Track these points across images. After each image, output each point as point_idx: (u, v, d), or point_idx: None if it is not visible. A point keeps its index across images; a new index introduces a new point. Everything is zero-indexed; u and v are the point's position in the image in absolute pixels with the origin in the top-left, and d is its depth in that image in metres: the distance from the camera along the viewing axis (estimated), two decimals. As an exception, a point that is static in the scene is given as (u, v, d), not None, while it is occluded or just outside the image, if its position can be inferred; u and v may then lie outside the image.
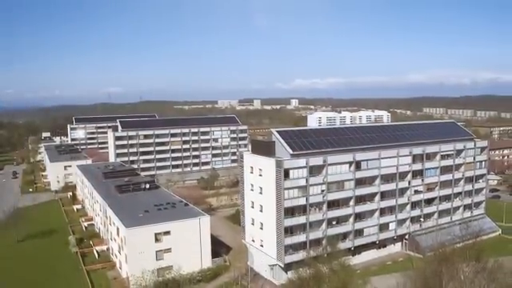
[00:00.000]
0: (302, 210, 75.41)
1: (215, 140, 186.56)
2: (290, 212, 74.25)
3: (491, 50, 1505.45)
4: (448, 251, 67.71)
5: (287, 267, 74.47)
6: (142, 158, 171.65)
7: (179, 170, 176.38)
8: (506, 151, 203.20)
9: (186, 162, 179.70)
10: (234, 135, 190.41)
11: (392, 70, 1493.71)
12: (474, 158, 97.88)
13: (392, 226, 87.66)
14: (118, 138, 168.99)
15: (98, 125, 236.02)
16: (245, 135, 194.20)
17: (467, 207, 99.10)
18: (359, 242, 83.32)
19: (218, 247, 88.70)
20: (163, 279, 72.30)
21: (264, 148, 80.00)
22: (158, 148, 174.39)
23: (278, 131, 79.90)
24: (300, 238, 75.81)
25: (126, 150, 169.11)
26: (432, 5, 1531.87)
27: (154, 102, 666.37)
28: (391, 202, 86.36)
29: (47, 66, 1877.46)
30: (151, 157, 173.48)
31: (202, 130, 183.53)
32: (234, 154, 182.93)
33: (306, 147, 77.43)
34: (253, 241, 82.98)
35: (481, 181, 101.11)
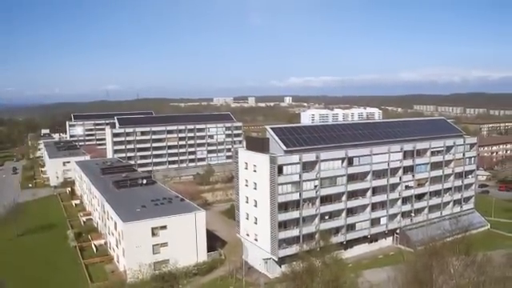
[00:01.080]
0: (296, 205, 76.45)
1: (211, 136, 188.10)
2: (284, 207, 75.29)
3: (481, 49, 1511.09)
4: (438, 245, 67.85)
5: (281, 261, 75.63)
6: (139, 154, 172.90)
7: (175, 165, 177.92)
8: (494, 147, 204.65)
9: (182, 158, 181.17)
10: (229, 132, 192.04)
11: (384, 69, 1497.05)
12: (464, 154, 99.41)
13: (383, 220, 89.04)
14: (115, 135, 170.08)
15: (96, 122, 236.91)
16: (239, 132, 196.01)
17: (457, 202, 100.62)
18: (351, 236, 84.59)
19: (214, 241, 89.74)
20: (160, 272, 73.21)
21: (258, 144, 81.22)
22: (154, 144, 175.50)
23: (271, 128, 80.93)
24: (293, 232, 76.86)
25: (123, 147, 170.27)
26: (425, 5, 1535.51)
27: (150, 100, 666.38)
28: (382, 198, 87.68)
29: (47, 65, 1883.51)
30: (148, 153, 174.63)
31: (198, 126, 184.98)
32: (228, 150, 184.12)
33: (300, 144, 78.61)
34: (247, 235, 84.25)
35: (470, 176, 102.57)
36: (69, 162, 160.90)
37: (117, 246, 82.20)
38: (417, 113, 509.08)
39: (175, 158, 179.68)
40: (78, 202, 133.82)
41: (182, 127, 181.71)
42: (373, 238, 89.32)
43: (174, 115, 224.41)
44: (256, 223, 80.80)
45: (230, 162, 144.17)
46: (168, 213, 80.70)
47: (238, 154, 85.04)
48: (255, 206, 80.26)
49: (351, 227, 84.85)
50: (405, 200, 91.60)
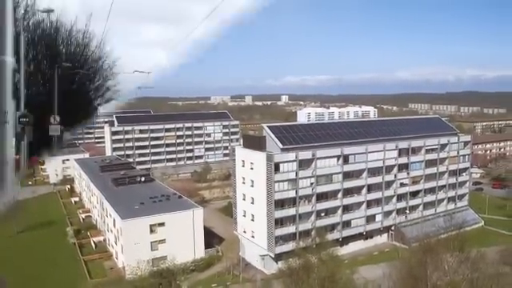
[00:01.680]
0: (292, 202, 77.27)
1: (208, 135, 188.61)
2: (280, 204, 76.07)
3: (475, 48, 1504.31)
4: (432, 242, 68.42)
5: (277, 257, 76.19)
6: (137, 152, 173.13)
7: (173, 163, 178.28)
8: (488, 145, 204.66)
9: (179, 155, 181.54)
10: (226, 130, 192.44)
11: (380, 68, 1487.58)
12: (458, 152, 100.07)
13: (378, 217, 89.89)
14: (114, 133, 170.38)
15: (95, 120, 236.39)
16: (236, 130, 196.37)
17: (451, 199, 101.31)
18: (347, 233, 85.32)
19: (211, 238, 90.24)
20: (158, 269, 72.97)
21: (255, 142, 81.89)
22: (152, 142, 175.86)
23: (268, 126, 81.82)
24: (290, 229, 77.64)
25: (121, 145, 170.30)
26: (420, 5, 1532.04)
27: (149, 98, 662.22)
28: (378, 195, 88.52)
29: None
30: (146, 151, 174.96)
31: (196, 125, 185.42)
32: (226, 148, 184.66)
33: (296, 142, 79.45)
34: (244, 232, 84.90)
35: (464, 174, 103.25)
36: (68, 160, 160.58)
37: (115, 243, 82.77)
38: (412, 111, 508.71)
39: (173, 156, 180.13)
40: (77, 199, 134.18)
41: (180, 125, 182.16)
42: (368, 235, 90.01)
43: (172, 114, 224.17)
44: (253, 220, 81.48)
45: (228, 160, 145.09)
46: (166, 210, 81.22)
47: (235, 151, 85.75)
48: (252, 203, 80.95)
49: (347, 224, 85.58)
50: (400, 197, 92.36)
